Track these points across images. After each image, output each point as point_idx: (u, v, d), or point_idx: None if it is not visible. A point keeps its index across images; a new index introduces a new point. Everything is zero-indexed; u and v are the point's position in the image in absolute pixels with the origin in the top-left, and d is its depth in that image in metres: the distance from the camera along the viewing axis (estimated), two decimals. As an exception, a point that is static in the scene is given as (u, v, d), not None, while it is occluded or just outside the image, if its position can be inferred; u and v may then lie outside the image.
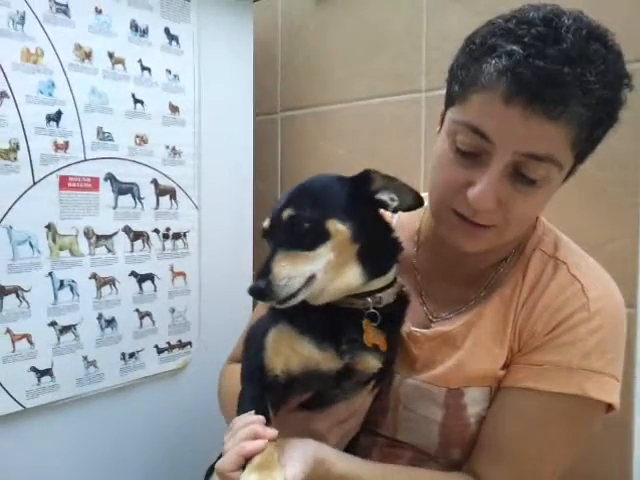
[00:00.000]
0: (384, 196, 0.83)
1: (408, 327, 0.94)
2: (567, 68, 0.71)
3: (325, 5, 1.65)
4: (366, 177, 0.83)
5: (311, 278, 0.77)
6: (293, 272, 0.76)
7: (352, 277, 0.81)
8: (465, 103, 0.80)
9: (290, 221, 0.79)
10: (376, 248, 0.84)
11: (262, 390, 0.82)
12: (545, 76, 0.71)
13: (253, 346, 0.88)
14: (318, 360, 0.82)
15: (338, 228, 0.79)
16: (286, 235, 0.79)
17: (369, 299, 0.84)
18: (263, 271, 0.76)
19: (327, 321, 0.83)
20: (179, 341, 1.42)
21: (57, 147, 1.14)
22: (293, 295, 0.76)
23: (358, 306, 0.84)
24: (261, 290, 0.75)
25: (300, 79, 1.72)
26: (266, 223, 0.83)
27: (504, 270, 0.93)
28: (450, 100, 0.85)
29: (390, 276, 0.87)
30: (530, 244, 0.93)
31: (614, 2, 1.16)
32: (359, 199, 0.82)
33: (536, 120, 0.73)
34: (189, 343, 1.44)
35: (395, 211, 0.86)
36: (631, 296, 1.13)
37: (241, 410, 0.81)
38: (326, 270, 0.78)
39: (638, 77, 1.15)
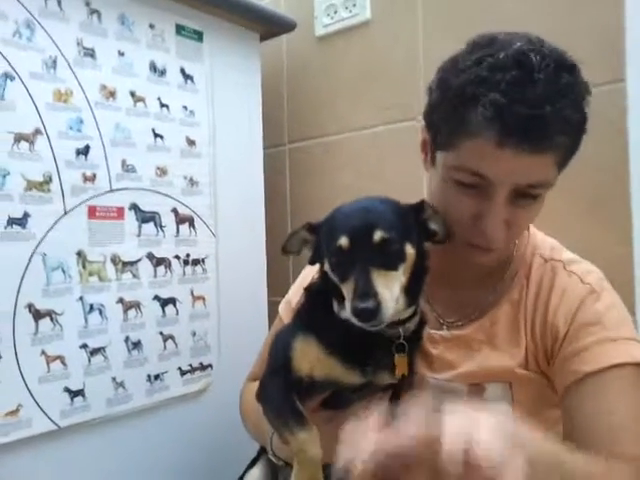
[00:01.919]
0: (433, 225, 0.89)
1: (427, 330, 0.98)
2: (548, 107, 0.78)
3: (326, 42, 1.76)
4: (421, 206, 0.88)
5: (398, 298, 0.80)
6: (393, 294, 0.78)
7: (401, 303, 0.83)
8: (456, 149, 0.87)
9: (381, 242, 0.79)
10: (417, 275, 0.86)
11: (286, 384, 0.87)
12: (529, 120, 0.78)
13: (280, 346, 0.92)
14: (341, 375, 0.86)
15: (411, 252, 0.82)
16: (376, 255, 0.79)
17: (400, 329, 0.87)
18: (367, 292, 0.76)
19: (356, 344, 0.85)
20: (200, 363, 1.47)
21: (86, 179, 1.22)
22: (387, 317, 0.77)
23: (390, 334, 0.86)
24: (372, 311, 0.75)
25: (305, 112, 1.82)
26: (344, 241, 0.80)
27: (508, 276, 1.00)
28: (437, 145, 0.92)
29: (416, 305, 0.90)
30: (529, 251, 1.01)
31: (583, 28, 1.27)
32: (417, 226, 0.87)
33: (526, 156, 0.81)
34: (210, 365, 1.49)
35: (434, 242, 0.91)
36: (628, 302, 1.18)
37: (267, 400, 0.89)
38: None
39: (616, 97, 1.26)
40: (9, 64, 1.10)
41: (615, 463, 0.80)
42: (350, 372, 0.86)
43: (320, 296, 0.91)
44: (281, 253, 0.95)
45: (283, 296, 1.26)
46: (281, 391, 0.87)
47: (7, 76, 1.10)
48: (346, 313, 0.79)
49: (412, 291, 0.85)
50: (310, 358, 0.87)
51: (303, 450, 0.82)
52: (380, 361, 0.87)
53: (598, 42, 1.26)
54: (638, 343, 0.89)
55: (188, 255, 1.44)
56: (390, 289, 0.78)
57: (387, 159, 1.64)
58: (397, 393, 0.96)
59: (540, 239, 1.03)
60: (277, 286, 1.74)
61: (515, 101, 0.78)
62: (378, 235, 0.79)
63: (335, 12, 1.70)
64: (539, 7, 1.34)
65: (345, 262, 0.81)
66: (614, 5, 1.25)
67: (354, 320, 0.77)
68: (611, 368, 0.85)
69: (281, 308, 1.22)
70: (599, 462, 0.79)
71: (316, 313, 0.91)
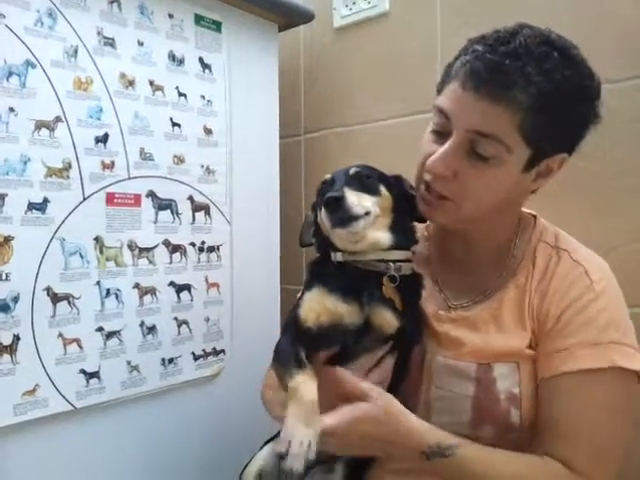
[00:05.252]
0: (412, 191, 1.04)
1: (434, 310, 1.04)
2: (509, 60, 0.85)
3: (344, 34, 1.76)
4: (399, 177, 1.06)
5: (368, 213, 0.93)
6: (359, 201, 0.92)
7: (383, 237, 0.97)
8: (441, 93, 0.97)
9: (355, 174, 0.98)
10: (402, 227, 1.01)
11: (296, 339, 0.94)
12: (492, 66, 0.87)
13: (293, 309, 1.01)
14: (343, 313, 0.94)
15: (385, 193, 0.99)
16: (350, 181, 0.96)
17: (391, 264, 0.97)
18: (336, 189, 0.93)
19: (352, 281, 0.97)
20: (213, 349, 1.50)
21: (104, 166, 1.25)
22: (355, 218, 0.91)
23: (380, 269, 0.97)
24: (336, 199, 0.90)
25: (322, 103, 1.83)
26: (327, 176, 1.01)
27: (514, 261, 1.03)
28: (437, 94, 1.01)
29: (408, 253, 1.02)
30: (534, 237, 1.04)
31: (602, 24, 1.27)
32: (396, 187, 1.03)
33: (484, 102, 0.88)
34: (222, 351, 1.52)
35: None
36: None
37: (278, 357, 0.96)
38: (372, 218, 0.94)
39: (635, 93, 1.25)
40: (31, 52, 1.12)
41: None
42: (350, 307, 0.94)
43: (319, 260, 1.06)
44: (300, 245, 1.09)
45: (296, 284, 1.28)
46: (289, 344, 0.95)
47: (29, 64, 1.12)
48: (323, 218, 0.94)
49: (398, 236, 0.99)
50: (315, 304, 0.96)
51: (296, 388, 0.86)
52: (374, 294, 0.96)
53: (617, 38, 1.25)
54: (624, 346, 0.91)
55: (203, 242, 1.46)
56: (358, 197, 0.93)
57: (403, 150, 1.62)
58: (403, 358, 1.02)
59: (545, 226, 1.06)
60: (290, 274, 1.76)
61: (488, 51, 0.88)
62: (353, 170, 0.99)
63: (353, 3, 1.70)
64: (559, 2, 1.33)
65: (327, 191, 0.95)
66: (633, 1, 1.24)
67: (325, 216, 0.92)
68: (587, 371, 0.90)
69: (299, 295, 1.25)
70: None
71: (318, 270, 1.04)
